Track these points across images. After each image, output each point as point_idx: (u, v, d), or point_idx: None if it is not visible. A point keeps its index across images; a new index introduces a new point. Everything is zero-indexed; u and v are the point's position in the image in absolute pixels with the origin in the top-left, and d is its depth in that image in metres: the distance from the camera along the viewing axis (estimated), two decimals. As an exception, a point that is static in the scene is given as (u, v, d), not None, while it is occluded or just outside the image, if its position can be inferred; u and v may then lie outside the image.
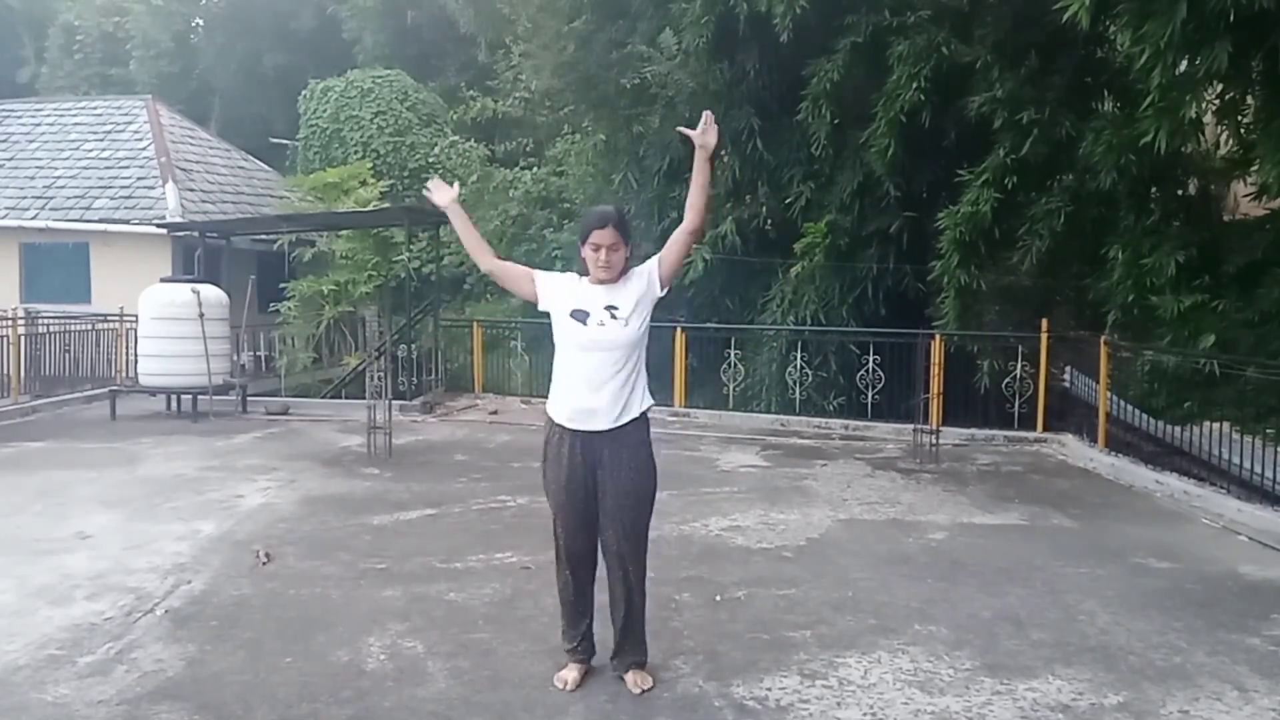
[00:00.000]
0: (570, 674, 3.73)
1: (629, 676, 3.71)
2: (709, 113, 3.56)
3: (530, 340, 12.51)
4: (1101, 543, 5.92)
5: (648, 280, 3.61)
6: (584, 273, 3.64)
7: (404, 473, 7.84)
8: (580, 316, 3.55)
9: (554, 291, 3.66)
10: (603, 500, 3.58)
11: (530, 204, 17.91)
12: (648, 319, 3.61)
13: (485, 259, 3.87)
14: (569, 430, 3.57)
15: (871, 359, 10.45)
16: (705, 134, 3.52)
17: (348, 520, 6.26)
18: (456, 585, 4.92)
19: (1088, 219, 9.50)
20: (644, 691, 3.65)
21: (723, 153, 12.19)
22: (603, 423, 3.53)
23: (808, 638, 4.25)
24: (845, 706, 3.58)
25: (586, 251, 3.57)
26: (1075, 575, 5.21)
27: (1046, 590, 4.95)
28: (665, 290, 3.64)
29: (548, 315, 3.67)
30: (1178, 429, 8.22)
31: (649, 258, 3.67)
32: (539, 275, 3.75)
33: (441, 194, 3.92)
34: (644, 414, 3.62)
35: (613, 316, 3.54)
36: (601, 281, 3.58)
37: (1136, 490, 7.50)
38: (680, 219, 3.63)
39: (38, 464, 8.10)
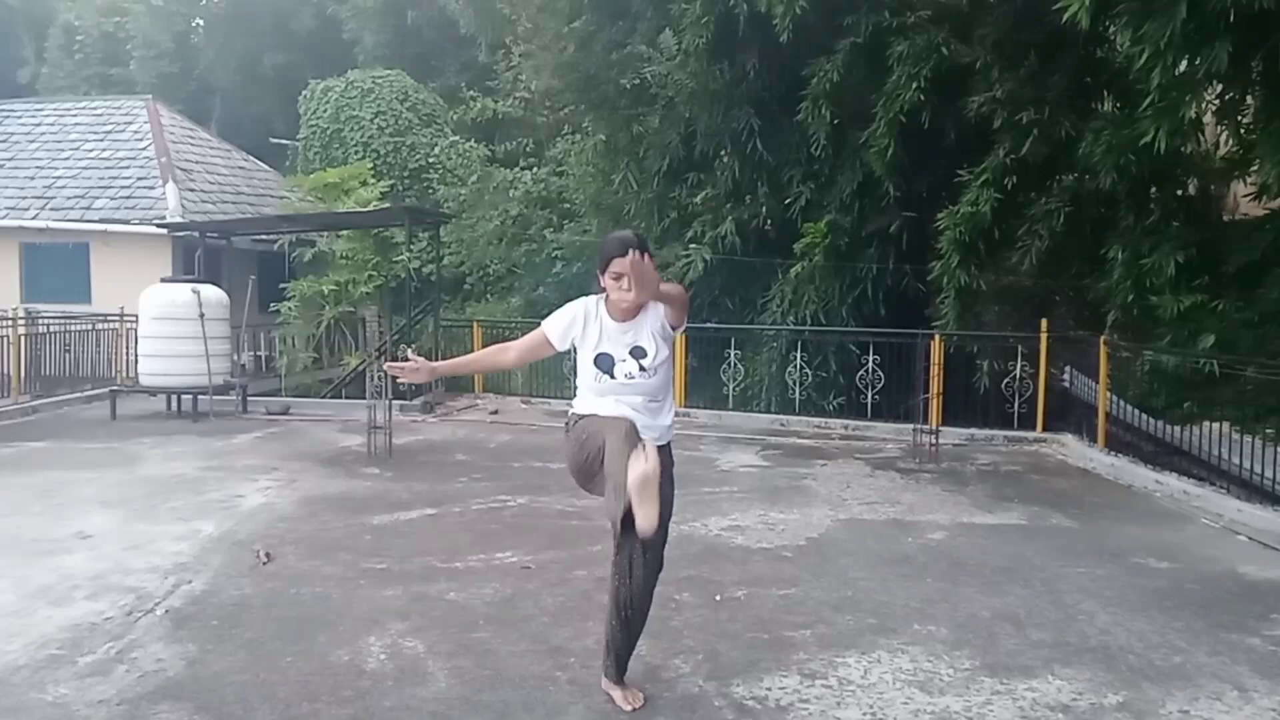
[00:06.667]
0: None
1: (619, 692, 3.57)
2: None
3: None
4: (1101, 543, 5.92)
5: (663, 323, 3.47)
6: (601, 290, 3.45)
7: (404, 473, 7.84)
8: (606, 365, 3.42)
9: (568, 328, 3.47)
10: None
11: (530, 204, 17.93)
12: (670, 355, 3.50)
13: (506, 359, 3.77)
14: None
15: (871, 359, 10.46)
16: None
17: (348, 520, 6.26)
18: (457, 585, 4.92)
19: (1087, 219, 9.51)
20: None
21: (722, 152, 12.20)
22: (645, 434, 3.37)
23: (807, 637, 4.25)
24: (845, 706, 3.59)
25: (607, 281, 3.38)
26: (1075, 575, 5.21)
27: (1046, 590, 4.95)
28: (677, 332, 3.52)
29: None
30: (1177, 429, 8.21)
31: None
32: (547, 326, 3.54)
33: (414, 375, 3.58)
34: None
35: (641, 368, 3.41)
36: (622, 314, 3.42)
37: (1136, 490, 7.50)
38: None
39: (38, 464, 8.10)
